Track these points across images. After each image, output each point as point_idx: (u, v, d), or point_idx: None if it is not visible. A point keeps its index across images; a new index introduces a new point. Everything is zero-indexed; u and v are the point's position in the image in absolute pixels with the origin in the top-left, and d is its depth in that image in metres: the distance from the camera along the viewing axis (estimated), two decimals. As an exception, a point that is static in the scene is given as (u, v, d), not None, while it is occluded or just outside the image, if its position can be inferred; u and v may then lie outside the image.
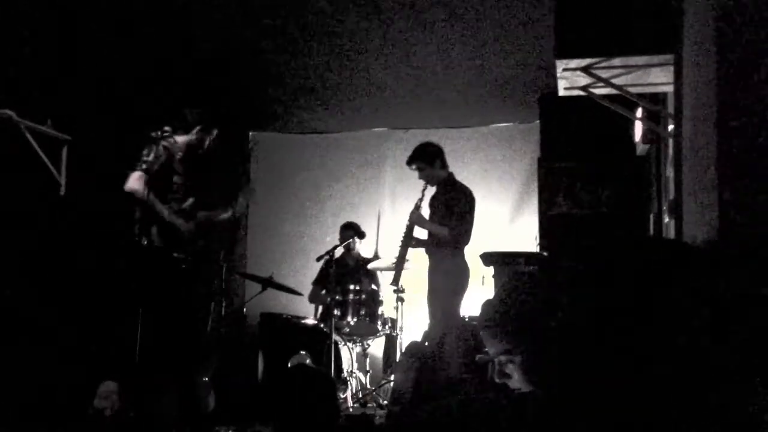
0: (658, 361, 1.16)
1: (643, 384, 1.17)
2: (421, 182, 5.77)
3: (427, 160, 5.68)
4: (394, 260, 5.94)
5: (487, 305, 1.74)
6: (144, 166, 4.62)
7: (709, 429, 1.11)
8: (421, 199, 5.73)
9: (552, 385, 1.49)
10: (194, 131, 4.86)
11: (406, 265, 6.34)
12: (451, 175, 5.76)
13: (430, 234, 5.70)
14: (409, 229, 5.78)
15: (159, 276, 4.57)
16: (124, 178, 4.73)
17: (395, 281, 5.88)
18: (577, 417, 1.24)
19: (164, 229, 4.66)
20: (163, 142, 4.73)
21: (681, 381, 1.15)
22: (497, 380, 1.68)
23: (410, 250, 6.07)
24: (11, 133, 5.00)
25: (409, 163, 5.79)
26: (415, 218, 5.71)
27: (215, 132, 4.95)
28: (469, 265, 5.66)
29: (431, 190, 5.78)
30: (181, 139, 4.85)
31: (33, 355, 4.98)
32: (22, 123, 5.04)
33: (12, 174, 5.10)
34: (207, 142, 4.92)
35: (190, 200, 4.84)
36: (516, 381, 1.64)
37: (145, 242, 4.66)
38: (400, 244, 5.83)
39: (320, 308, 6.92)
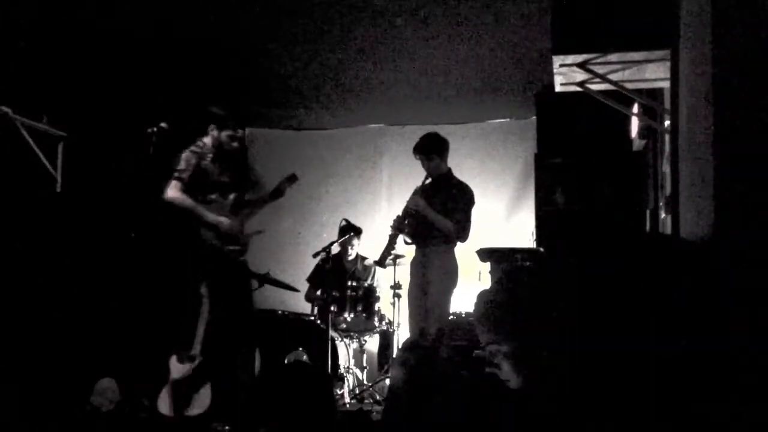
0: (654, 360, 1.16)
1: (639, 382, 1.17)
2: (417, 177, 5.71)
3: (439, 151, 5.61)
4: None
5: (482, 296, 1.74)
6: (176, 175, 4.78)
7: (703, 427, 1.11)
8: (421, 188, 5.63)
9: (542, 378, 1.49)
10: (224, 132, 4.95)
11: (401, 260, 6.33)
12: (450, 171, 5.72)
13: (424, 225, 5.59)
14: (406, 214, 5.66)
15: (219, 272, 4.72)
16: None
17: (381, 262, 5.74)
18: (571, 413, 1.24)
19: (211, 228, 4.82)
20: (193, 147, 4.85)
21: (677, 378, 1.15)
22: (486, 369, 1.69)
23: (404, 246, 6.03)
24: (7, 130, 4.99)
25: (422, 150, 5.64)
26: (422, 205, 5.54)
27: (241, 131, 5.09)
28: (466, 261, 5.64)
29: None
30: (207, 140, 4.93)
31: (29, 351, 4.98)
32: (18, 119, 5.03)
33: (8, 170, 5.09)
34: (236, 141, 5.03)
35: (232, 196, 4.97)
36: (505, 372, 1.64)
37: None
38: (392, 224, 5.70)
39: (315, 308, 6.89)
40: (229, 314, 4.79)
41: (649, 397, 1.16)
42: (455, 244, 5.53)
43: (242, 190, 5.18)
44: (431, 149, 5.59)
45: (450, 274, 5.46)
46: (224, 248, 4.87)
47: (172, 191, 4.81)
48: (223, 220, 4.88)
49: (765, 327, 1.20)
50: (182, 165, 4.85)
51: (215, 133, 4.97)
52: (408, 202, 5.61)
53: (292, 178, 5.38)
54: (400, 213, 5.68)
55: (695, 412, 1.14)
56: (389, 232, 5.68)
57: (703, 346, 1.17)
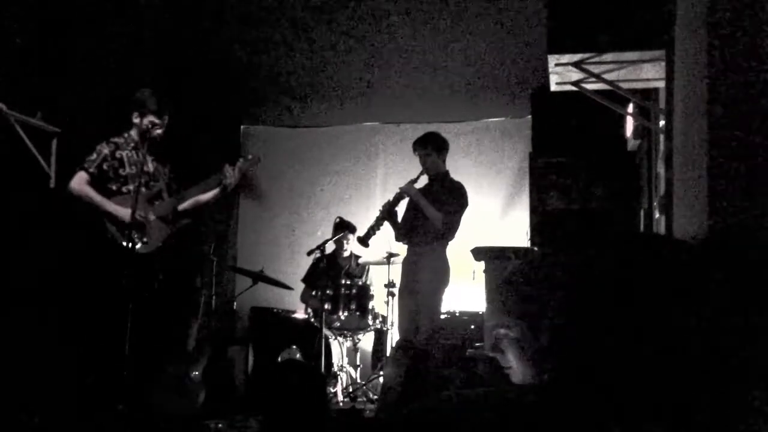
0: (647, 359, 1.16)
1: (633, 382, 1.17)
2: (413, 176, 5.72)
3: (437, 147, 5.62)
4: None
5: (502, 280, 1.73)
6: (85, 165, 4.68)
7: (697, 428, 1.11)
8: (416, 180, 5.64)
9: (547, 367, 1.49)
10: (147, 119, 4.78)
11: (395, 259, 6.33)
12: (448, 172, 5.73)
13: (414, 216, 5.59)
14: (398, 198, 5.67)
15: (121, 265, 4.53)
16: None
17: (364, 239, 5.71)
18: (571, 406, 1.23)
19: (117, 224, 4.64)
20: (114, 138, 4.75)
21: (671, 377, 1.15)
22: (490, 354, 1.68)
23: (395, 244, 6.04)
24: (0, 125, 4.97)
25: (421, 145, 5.65)
26: (414, 191, 5.56)
27: (165, 117, 4.86)
28: (460, 260, 5.65)
29: (422, 181, 5.72)
30: (133, 131, 4.82)
31: (20, 348, 4.96)
32: (12, 115, 5.01)
33: (1, 166, 5.07)
34: (160, 127, 4.80)
35: (157, 186, 4.82)
36: (508, 358, 1.63)
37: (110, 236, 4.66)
38: (382, 207, 5.71)
39: (309, 308, 6.88)
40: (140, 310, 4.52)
41: (643, 397, 1.16)
42: (446, 244, 5.53)
43: (175, 179, 4.97)
44: (430, 145, 5.61)
45: (441, 274, 5.46)
46: (125, 241, 4.56)
47: (73, 182, 4.69)
48: (122, 211, 4.59)
49: (759, 327, 1.20)
50: (92, 156, 4.72)
51: (137, 120, 4.81)
52: (401, 188, 5.64)
53: (252, 161, 5.00)
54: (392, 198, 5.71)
55: (690, 411, 1.14)
56: (378, 214, 5.70)
57: (698, 345, 1.17)
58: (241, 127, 8.27)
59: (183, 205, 4.88)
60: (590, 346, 1.20)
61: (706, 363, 1.13)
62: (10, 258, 5.06)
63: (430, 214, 5.41)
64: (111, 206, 4.65)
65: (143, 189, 4.68)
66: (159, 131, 4.75)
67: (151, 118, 4.74)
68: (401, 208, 5.77)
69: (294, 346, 6.25)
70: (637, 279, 1.20)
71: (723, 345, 1.14)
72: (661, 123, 4.28)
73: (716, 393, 1.12)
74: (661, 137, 4.32)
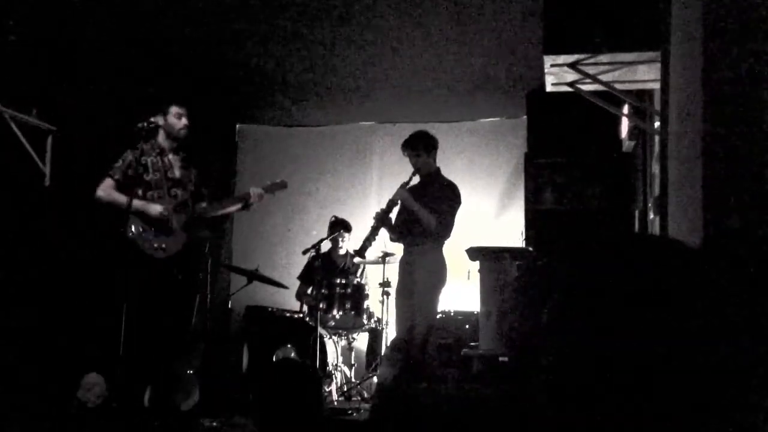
0: (642, 361, 1.17)
1: (627, 384, 1.17)
2: (408, 175, 5.71)
3: (427, 148, 5.61)
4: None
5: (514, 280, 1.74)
6: (110, 172, 4.71)
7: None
8: (407, 183, 5.63)
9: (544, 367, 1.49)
10: (170, 114, 4.81)
11: (390, 258, 6.33)
12: (439, 170, 5.72)
13: (408, 219, 5.59)
14: (390, 206, 5.65)
15: (135, 268, 4.58)
16: (109, 169, 4.75)
17: (360, 252, 5.71)
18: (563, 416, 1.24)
19: (144, 223, 4.68)
20: (140, 145, 4.77)
21: (667, 379, 1.16)
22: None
23: (390, 244, 6.03)
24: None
25: (410, 146, 5.64)
26: (406, 196, 5.55)
27: (184, 107, 4.89)
28: (455, 260, 5.65)
29: (415, 180, 5.71)
30: (160, 137, 4.84)
31: (15, 347, 4.95)
32: (7, 112, 5.00)
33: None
34: (184, 117, 4.84)
35: (180, 192, 4.84)
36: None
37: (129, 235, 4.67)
38: (375, 216, 5.70)
39: (304, 305, 6.88)
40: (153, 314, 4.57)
41: (638, 399, 1.16)
42: (442, 243, 5.53)
43: (202, 183, 5.02)
44: (419, 145, 5.59)
45: (437, 273, 5.45)
46: (145, 245, 4.64)
47: (100, 190, 4.72)
48: (152, 206, 4.69)
49: (754, 326, 1.21)
50: (118, 162, 4.75)
51: (162, 121, 4.81)
52: (393, 195, 5.63)
53: (278, 185, 5.25)
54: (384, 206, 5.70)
55: (686, 413, 1.15)
56: (372, 223, 5.69)
57: (693, 346, 1.18)
58: (237, 126, 8.26)
59: (211, 213, 5.03)
60: (587, 347, 1.21)
61: (706, 365, 1.14)
62: (6, 257, 5.06)
63: (423, 218, 5.41)
64: (139, 203, 4.67)
65: (168, 196, 4.75)
66: (185, 120, 4.85)
67: (175, 109, 4.82)
68: (395, 209, 5.76)
69: (289, 345, 6.25)
70: (632, 280, 1.20)
71: (722, 347, 1.15)
72: (656, 124, 4.30)
73: (717, 395, 1.12)
74: (656, 138, 4.33)
